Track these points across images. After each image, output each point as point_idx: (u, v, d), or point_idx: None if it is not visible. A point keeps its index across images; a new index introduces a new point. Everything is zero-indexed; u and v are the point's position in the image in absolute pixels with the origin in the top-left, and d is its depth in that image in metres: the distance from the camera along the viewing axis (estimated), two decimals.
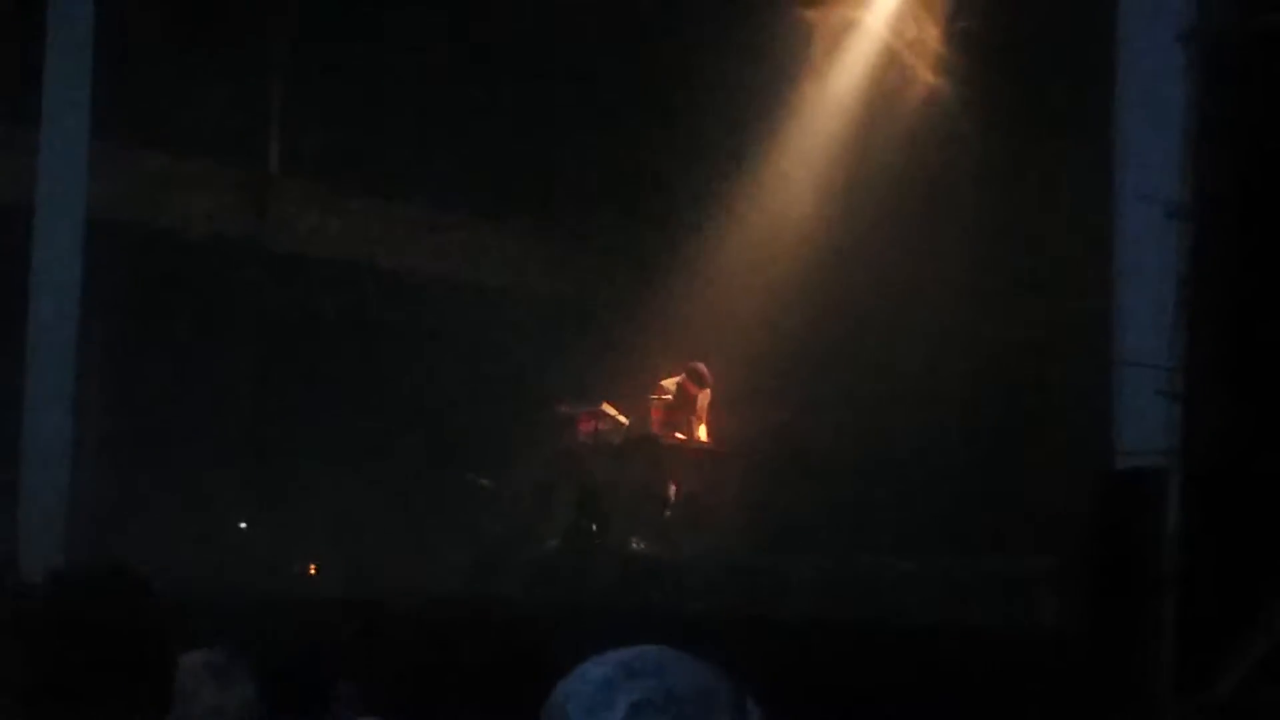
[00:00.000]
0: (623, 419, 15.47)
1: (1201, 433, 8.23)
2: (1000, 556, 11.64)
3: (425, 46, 16.57)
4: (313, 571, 15.02)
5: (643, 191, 16.28)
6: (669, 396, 15.28)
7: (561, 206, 17.46)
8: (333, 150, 17.00)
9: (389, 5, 16.49)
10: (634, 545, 14.62)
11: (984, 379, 13.90)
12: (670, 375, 15.35)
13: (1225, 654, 7.61)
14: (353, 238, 17.43)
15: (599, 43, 16.46)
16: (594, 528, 14.18)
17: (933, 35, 14.95)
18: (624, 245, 16.87)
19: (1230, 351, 8.27)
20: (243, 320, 16.28)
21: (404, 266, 17.56)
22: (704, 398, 15.31)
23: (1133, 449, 8.97)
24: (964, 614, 10.44)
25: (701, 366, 15.16)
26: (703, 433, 15.38)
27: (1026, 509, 12.13)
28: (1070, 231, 12.41)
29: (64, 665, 2.88)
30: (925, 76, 14.95)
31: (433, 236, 17.91)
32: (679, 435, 15.19)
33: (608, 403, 15.57)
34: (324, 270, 17.02)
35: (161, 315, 15.45)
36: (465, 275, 17.94)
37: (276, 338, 16.39)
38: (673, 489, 15.00)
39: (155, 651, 2.96)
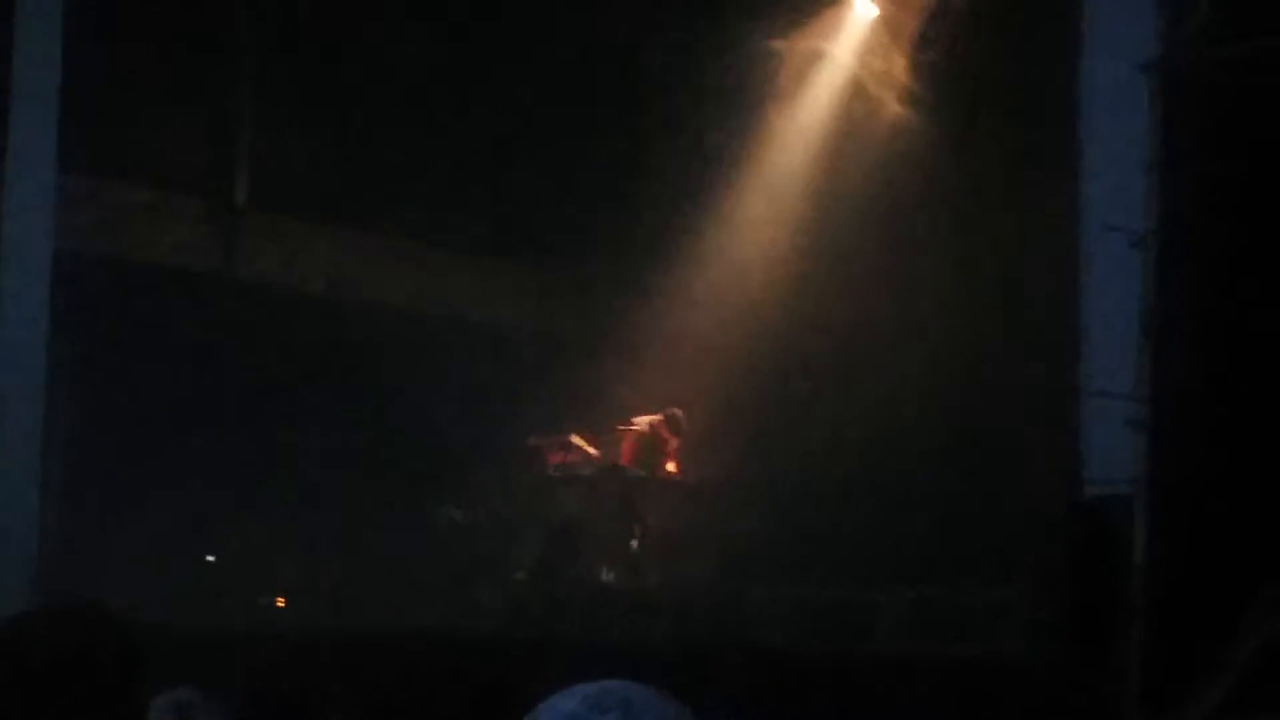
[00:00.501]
0: (592, 451, 15.47)
1: (1169, 461, 8.26)
2: (970, 586, 11.66)
3: (396, 78, 16.58)
4: (281, 604, 14.96)
5: (614, 224, 16.29)
6: (639, 430, 15.28)
7: (534, 239, 17.45)
8: (300, 182, 16.99)
9: (358, 37, 16.48)
10: (604, 576, 14.61)
11: (953, 409, 13.93)
12: (645, 413, 15.34)
13: (1196, 682, 7.63)
14: (321, 270, 17.40)
15: (572, 74, 16.50)
16: (565, 559, 14.18)
17: (899, 66, 15.01)
18: (596, 278, 16.88)
19: (1197, 380, 8.30)
20: (212, 352, 16.23)
21: (374, 298, 17.53)
22: (675, 443, 15.33)
23: (1100, 478, 9.02)
24: (933, 644, 10.46)
25: (679, 414, 15.17)
26: (671, 468, 15.39)
27: (996, 539, 12.15)
28: (1036, 261, 12.48)
29: (30, 701, 2.88)
30: (891, 107, 15.01)
31: (403, 268, 17.89)
32: (648, 469, 15.18)
33: (577, 434, 15.57)
34: (293, 302, 16.98)
35: (131, 347, 15.40)
36: (435, 307, 17.93)
37: (246, 370, 16.34)
38: (642, 521, 14.98)
39: (124, 689, 2.95)
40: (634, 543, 14.89)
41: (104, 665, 2.94)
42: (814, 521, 13.90)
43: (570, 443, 15.55)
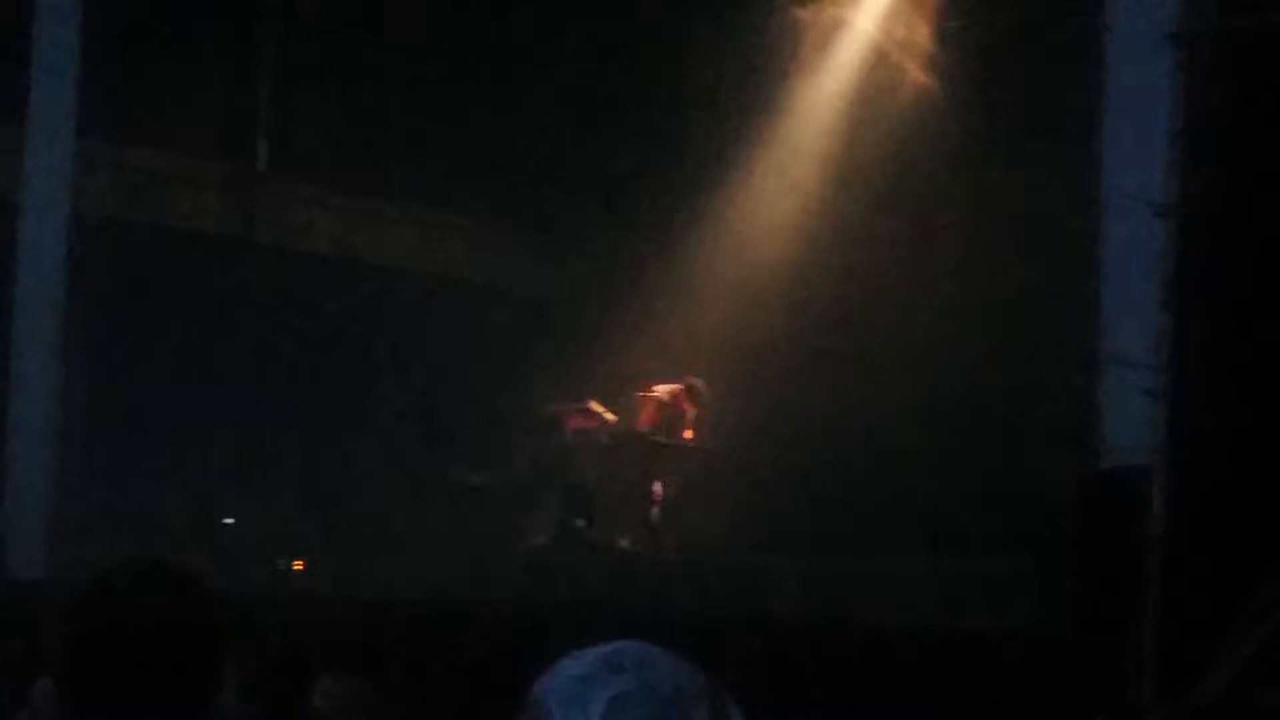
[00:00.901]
0: (610, 417, 15.47)
1: (1187, 431, 8.24)
2: (986, 556, 11.66)
3: (415, 47, 16.57)
4: (299, 567, 15.00)
5: (633, 193, 16.27)
6: (659, 397, 15.26)
7: (552, 207, 17.45)
8: (321, 148, 17.01)
9: (377, 6, 16.48)
10: (622, 543, 14.63)
11: (970, 379, 13.91)
12: (667, 383, 15.32)
13: (1211, 654, 7.62)
14: (341, 235, 17.42)
15: (590, 44, 16.47)
16: (583, 525, 14.21)
17: (922, 35, 14.95)
18: (614, 245, 16.86)
19: (1216, 351, 8.28)
20: (232, 316, 16.27)
21: (393, 264, 17.55)
22: (696, 411, 15.30)
23: (1118, 447, 9.00)
24: (949, 614, 10.45)
25: (700, 384, 15.13)
26: (689, 435, 15.38)
27: (1013, 509, 12.15)
28: (1055, 231, 12.44)
29: (120, 665, 2.85)
30: (914, 76, 14.96)
31: (423, 235, 17.92)
32: (676, 436, 15.18)
33: (595, 401, 15.57)
34: (312, 267, 17.01)
35: (149, 310, 15.44)
36: (454, 273, 17.94)
37: (267, 334, 16.38)
38: (660, 487, 14.99)
39: (211, 655, 2.92)
40: (653, 509, 14.90)
41: (193, 629, 2.91)
42: (830, 490, 13.89)
43: (590, 409, 15.55)
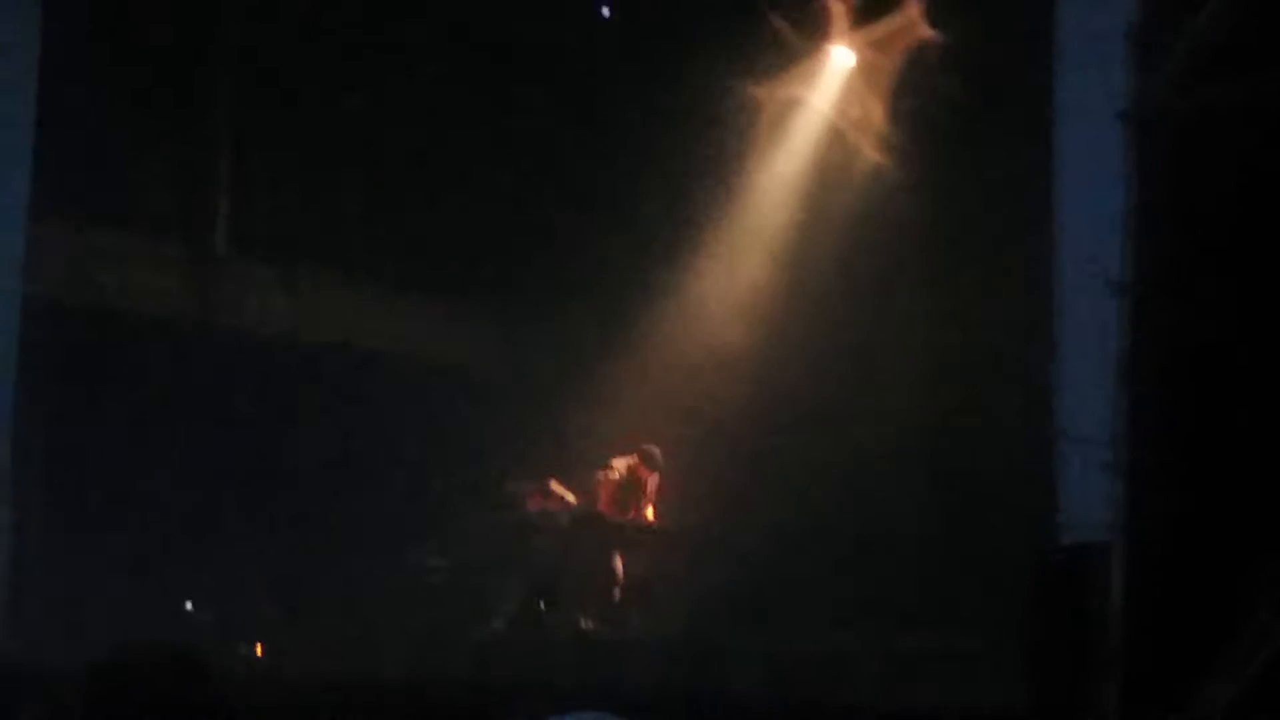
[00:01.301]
0: (570, 497, 15.43)
1: (1145, 507, 8.24)
2: (946, 635, 11.64)
3: (374, 128, 16.61)
4: (259, 651, 14.89)
5: (592, 273, 16.31)
6: (617, 474, 15.24)
7: (513, 287, 17.47)
8: (280, 230, 17.00)
9: (334, 87, 16.51)
10: (583, 625, 14.57)
11: (929, 459, 13.93)
12: (621, 455, 15.31)
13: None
14: (300, 317, 17.38)
15: (551, 122, 16.54)
16: (544, 606, 14.15)
17: (876, 113, 15.06)
18: (574, 325, 16.88)
19: (1172, 425, 8.29)
20: (189, 399, 16.19)
21: (353, 345, 17.51)
22: (654, 480, 15.29)
23: (1076, 524, 9.00)
24: (908, 691, 10.42)
25: (655, 449, 15.14)
26: (650, 513, 15.35)
27: (972, 587, 12.14)
28: (1012, 306, 12.49)
29: None
30: (869, 153, 15.06)
31: (383, 315, 17.89)
32: (627, 514, 15.15)
33: (555, 480, 15.54)
34: (267, 347, 16.95)
35: (105, 394, 15.35)
36: (413, 354, 17.91)
37: (223, 416, 16.29)
38: (620, 567, 14.95)
39: None
40: (613, 589, 14.85)
41: (202, 713, 2.95)
42: (790, 570, 13.87)
43: (549, 488, 15.51)
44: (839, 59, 15.59)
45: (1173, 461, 8.17)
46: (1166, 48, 8.46)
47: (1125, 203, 8.31)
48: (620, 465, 15.24)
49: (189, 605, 15.75)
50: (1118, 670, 7.96)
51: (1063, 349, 9.65)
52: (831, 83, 15.57)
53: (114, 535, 15.02)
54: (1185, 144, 8.31)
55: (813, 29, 15.40)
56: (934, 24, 14.41)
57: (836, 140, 15.40)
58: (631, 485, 15.20)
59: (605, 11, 16.88)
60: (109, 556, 14.77)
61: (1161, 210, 8.12)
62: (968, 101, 13.68)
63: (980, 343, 13.69)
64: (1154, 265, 8.06)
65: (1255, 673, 7.40)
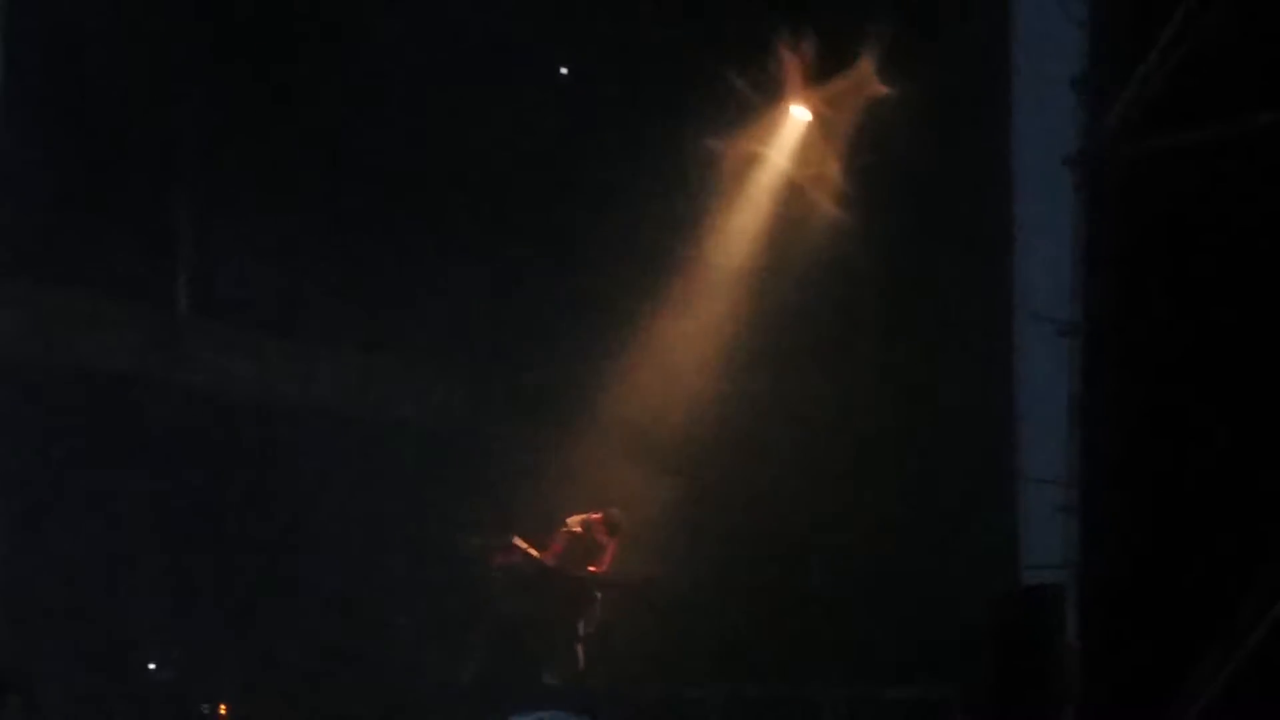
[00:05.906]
0: (534, 552, 15.45)
1: (1101, 546, 8.35)
2: (907, 683, 11.68)
3: (335, 189, 16.67)
4: (223, 712, 14.84)
5: (551, 325, 16.38)
6: (579, 529, 15.27)
7: (473, 344, 17.51)
8: (241, 292, 17.00)
9: (295, 149, 16.57)
10: (546, 679, 14.56)
11: (888, 503, 13.99)
12: (585, 513, 15.33)
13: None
14: (260, 376, 17.36)
15: (511, 179, 16.62)
16: (508, 660, 14.15)
17: (832, 168, 15.22)
18: (536, 381, 16.94)
19: (1125, 466, 8.41)
20: (151, 457, 16.15)
21: (313, 403, 17.50)
22: (613, 546, 15.33)
23: (1036, 564, 9.09)
24: None
25: (617, 514, 15.17)
26: (601, 568, 15.39)
27: (934, 634, 12.18)
28: (969, 352, 12.59)
29: None
30: (825, 207, 15.21)
31: (341, 373, 17.89)
32: (589, 568, 15.18)
33: (519, 537, 15.55)
34: (229, 408, 16.92)
35: (69, 453, 15.32)
36: (377, 411, 17.91)
37: (186, 474, 16.26)
38: (584, 621, 14.97)
39: None
40: (577, 643, 14.86)
41: None
42: (750, 620, 13.91)
43: (513, 544, 15.53)
44: (796, 115, 15.76)
45: (1128, 500, 8.29)
46: (1113, 96, 8.63)
47: (1074, 248, 8.45)
48: (576, 522, 15.28)
49: (150, 665, 15.68)
50: (1076, 708, 8.05)
51: (1021, 392, 9.76)
52: (789, 138, 15.73)
53: (74, 593, 14.95)
54: (1131, 189, 8.46)
55: (770, 87, 15.58)
56: (888, 80, 14.61)
57: (794, 194, 15.56)
58: (588, 544, 15.23)
59: (563, 70, 17.01)
60: (70, 613, 14.71)
61: (1109, 252, 8.27)
62: (923, 153, 13.82)
63: (939, 389, 13.77)
64: (1102, 305, 8.19)
65: (1207, 707, 7.50)
